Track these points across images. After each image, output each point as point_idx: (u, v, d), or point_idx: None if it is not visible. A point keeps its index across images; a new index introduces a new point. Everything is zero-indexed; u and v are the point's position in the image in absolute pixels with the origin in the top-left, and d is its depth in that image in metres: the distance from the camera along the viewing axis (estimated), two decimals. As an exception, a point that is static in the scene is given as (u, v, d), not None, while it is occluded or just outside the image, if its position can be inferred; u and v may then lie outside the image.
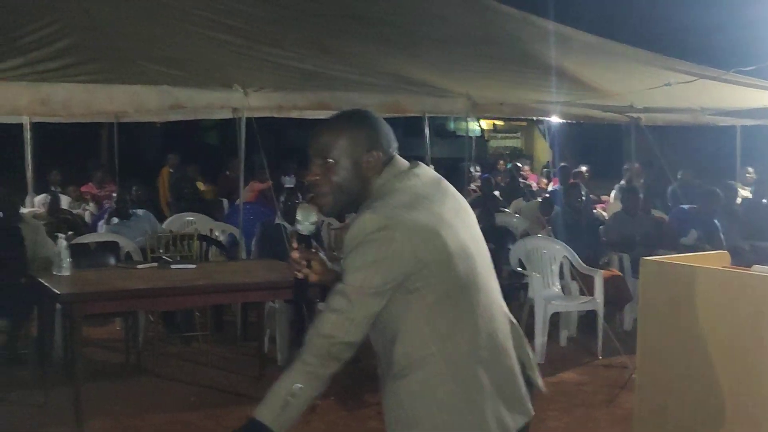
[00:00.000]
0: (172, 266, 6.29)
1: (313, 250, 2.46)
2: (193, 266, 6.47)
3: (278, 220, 7.38)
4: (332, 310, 2.30)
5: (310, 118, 12.16)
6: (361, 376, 6.49)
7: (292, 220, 7.17)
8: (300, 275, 2.44)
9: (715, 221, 8.31)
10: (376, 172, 2.37)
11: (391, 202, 2.29)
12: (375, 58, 8.34)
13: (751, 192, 11.27)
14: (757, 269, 3.84)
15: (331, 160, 2.36)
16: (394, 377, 2.37)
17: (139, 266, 6.45)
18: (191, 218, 8.59)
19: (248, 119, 8.05)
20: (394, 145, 2.47)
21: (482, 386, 2.32)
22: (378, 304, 2.27)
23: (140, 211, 8.51)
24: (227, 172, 12.48)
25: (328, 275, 2.49)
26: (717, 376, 3.76)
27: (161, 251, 7.19)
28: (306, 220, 2.41)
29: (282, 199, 7.72)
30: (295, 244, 2.43)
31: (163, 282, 5.86)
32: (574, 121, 11.46)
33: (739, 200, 10.30)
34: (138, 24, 7.54)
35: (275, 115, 9.79)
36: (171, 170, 12.66)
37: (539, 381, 2.57)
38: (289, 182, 11.25)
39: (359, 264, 2.27)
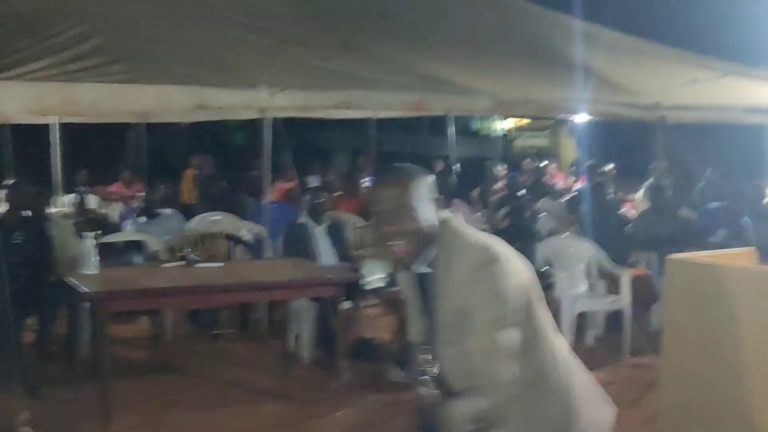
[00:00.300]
0: (199, 265, 6.32)
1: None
2: (219, 265, 6.50)
3: (303, 219, 7.40)
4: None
5: (335, 118, 12.22)
6: (382, 375, 6.52)
7: (318, 219, 7.29)
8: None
9: (744, 220, 8.23)
10: (427, 216, 2.46)
11: (479, 237, 2.46)
12: (399, 57, 8.34)
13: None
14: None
15: (405, 209, 2.43)
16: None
17: (166, 265, 6.49)
18: (218, 217, 8.62)
19: (274, 119, 8.07)
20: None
21: None
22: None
23: (167, 211, 8.55)
24: (253, 172, 12.51)
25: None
26: (743, 375, 3.73)
27: (188, 250, 7.23)
28: (371, 275, 2.38)
29: (307, 198, 7.74)
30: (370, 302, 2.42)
31: (189, 280, 5.89)
32: (600, 119, 11.38)
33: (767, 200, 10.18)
34: (164, 24, 7.59)
35: (301, 115, 9.80)
36: (195, 171, 12.70)
37: None
38: (314, 181, 11.27)
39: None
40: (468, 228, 2.49)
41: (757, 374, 3.71)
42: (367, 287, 2.35)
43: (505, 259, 2.37)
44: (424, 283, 2.48)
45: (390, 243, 2.41)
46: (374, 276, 2.37)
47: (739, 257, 4.21)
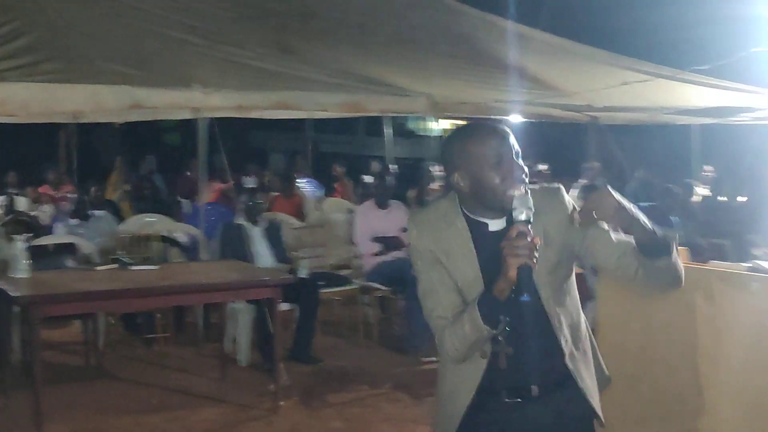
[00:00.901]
0: (133, 267, 6.23)
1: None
2: (154, 267, 6.42)
3: (239, 221, 7.35)
4: None
5: (271, 118, 12.16)
6: (323, 377, 6.53)
7: (254, 220, 7.25)
8: (528, 261, 2.21)
9: (673, 219, 8.41)
10: None
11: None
12: (335, 58, 8.33)
13: (709, 190, 11.42)
14: (714, 264, 3.91)
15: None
16: (584, 351, 2.51)
17: (99, 268, 6.38)
18: (152, 219, 8.50)
19: (209, 119, 8.00)
20: None
21: None
22: None
23: (99, 212, 8.41)
24: (187, 173, 12.39)
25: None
26: (676, 369, 3.82)
27: (121, 252, 7.12)
28: (524, 206, 2.26)
29: (243, 199, 7.70)
30: (520, 230, 2.23)
31: (123, 283, 5.81)
32: (534, 120, 11.53)
33: (698, 198, 10.44)
34: (96, 23, 7.46)
35: (236, 116, 9.74)
36: (119, 177, 12.38)
37: None
38: (249, 182, 11.19)
39: None
40: None
41: (690, 370, 3.80)
42: (521, 218, 2.20)
43: None
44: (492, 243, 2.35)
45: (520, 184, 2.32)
46: (525, 207, 2.26)
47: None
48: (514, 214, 2.24)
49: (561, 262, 2.41)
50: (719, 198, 10.41)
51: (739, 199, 10.12)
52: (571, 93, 9.04)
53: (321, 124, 13.96)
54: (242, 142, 21.02)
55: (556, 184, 2.50)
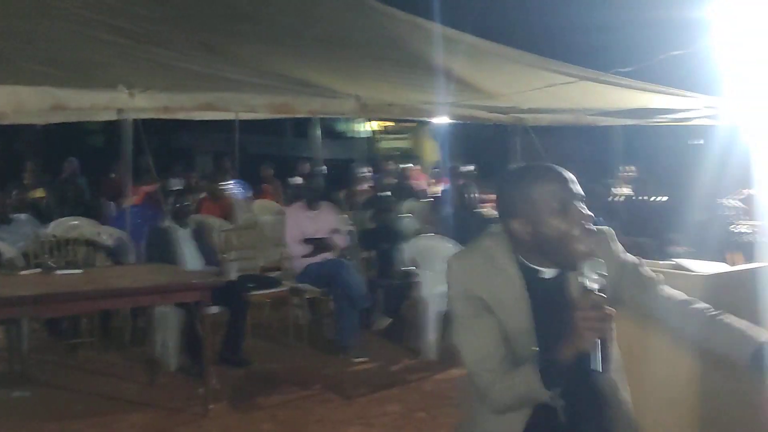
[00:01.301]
0: (57, 272, 6.11)
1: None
2: (79, 271, 6.31)
3: (166, 223, 7.27)
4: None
5: (198, 119, 12.03)
6: (253, 379, 6.49)
7: (181, 223, 7.17)
8: (603, 334, 2.11)
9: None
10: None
11: None
12: (263, 59, 8.29)
13: (631, 190, 11.68)
14: (638, 263, 3.99)
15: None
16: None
17: (22, 272, 6.25)
18: (76, 222, 8.33)
19: (134, 121, 7.88)
20: None
21: None
22: None
23: (22, 216, 8.22)
24: (112, 175, 12.18)
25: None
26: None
27: (45, 256, 6.97)
28: (596, 272, 2.12)
29: (170, 201, 7.61)
30: (595, 302, 2.09)
31: (48, 288, 5.68)
32: (461, 122, 11.64)
33: (620, 198, 10.67)
34: (18, 22, 7.29)
35: (162, 117, 9.61)
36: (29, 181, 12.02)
37: None
38: (176, 184, 11.07)
39: None
40: None
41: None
42: (589, 287, 2.03)
43: None
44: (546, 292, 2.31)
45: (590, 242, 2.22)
46: (596, 274, 2.13)
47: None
48: (583, 281, 2.12)
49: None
50: (641, 197, 10.66)
51: (660, 198, 10.37)
52: (497, 95, 9.15)
53: (249, 126, 13.81)
54: (168, 144, 20.79)
55: (605, 228, 2.44)
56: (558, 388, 2.17)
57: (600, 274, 2.10)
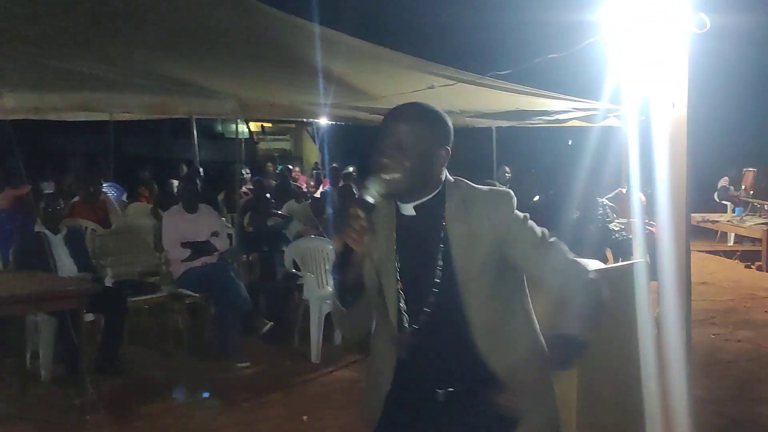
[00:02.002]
0: None
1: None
2: (-57, 280, 5.99)
3: (38, 228, 6.98)
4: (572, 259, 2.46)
5: (71, 120, 11.64)
6: (132, 388, 6.31)
7: (54, 227, 6.91)
8: (353, 243, 2.25)
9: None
10: (440, 168, 2.47)
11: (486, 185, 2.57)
12: (139, 58, 8.07)
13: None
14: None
15: (406, 147, 2.39)
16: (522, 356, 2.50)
17: None
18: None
19: (1, 122, 7.55)
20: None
21: None
22: None
23: None
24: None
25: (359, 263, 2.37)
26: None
27: None
28: (375, 189, 2.32)
29: (42, 205, 7.32)
30: (359, 212, 2.26)
31: None
32: (341, 123, 11.66)
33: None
34: None
35: (32, 117, 9.25)
36: None
37: None
38: (48, 187, 10.68)
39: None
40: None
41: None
42: (369, 199, 2.20)
43: None
44: (408, 229, 2.48)
45: (387, 175, 2.36)
46: (375, 191, 2.26)
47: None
48: (364, 192, 2.32)
49: (488, 264, 2.42)
50: (517, 197, 10.89)
51: (535, 198, 10.63)
52: (377, 96, 9.20)
53: (124, 127, 13.48)
54: (39, 146, 20.04)
55: (507, 190, 2.54)
56: (349, 304, 2.41)
57: (374, 192, 2.31)
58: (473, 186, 2.53)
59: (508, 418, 2.39)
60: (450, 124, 2.52)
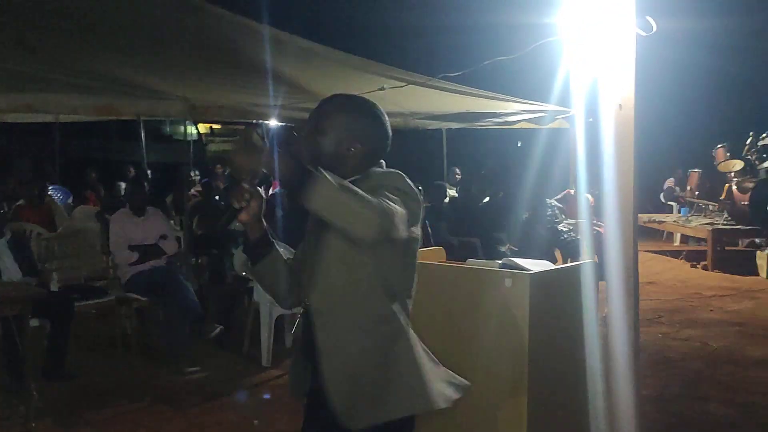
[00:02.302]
0: None
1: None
2: None
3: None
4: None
5: (14, 121, 11.43)
6: (79, 394, 6.20)
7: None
8: (238, 205, 2.42)
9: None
10: (354, 163, 2.52)
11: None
12: (85, 59, 7.96)
13: (456, 191, 12.00)
14: (471, 263, 4.09)
15: (320, 128, 2.52)
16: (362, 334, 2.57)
17: None
18: None
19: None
20: (378, 153, 2.62)
21: None
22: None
23: None
24: None
25: (256, 222, 2.52)
26: (441, 359, 3.96)
27: None
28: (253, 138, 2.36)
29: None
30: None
31: None
32: (292, 125, 11.59)
33: (447, 199, 10.93)
34: None
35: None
36: None
37: None
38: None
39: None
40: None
41: (452, 360, 3.95)
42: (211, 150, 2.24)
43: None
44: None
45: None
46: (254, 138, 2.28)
47: (429, 255, 4.47)
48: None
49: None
50: (467, 199, 10.95)
51: (485, 200, 10.70)
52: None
53: (70, 128, 13.27)
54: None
55: (399, 172, 2.55)
56: (253, 262, 2.60)
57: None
58: (378, 170, 2.57)
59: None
60: (380, 126, 2.59)
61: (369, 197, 2.22)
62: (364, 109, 2.60)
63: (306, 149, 2.52)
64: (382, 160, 2.65)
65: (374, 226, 2.21)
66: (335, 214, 2.21)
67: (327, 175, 2.20)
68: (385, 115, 2.66)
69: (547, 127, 10.98)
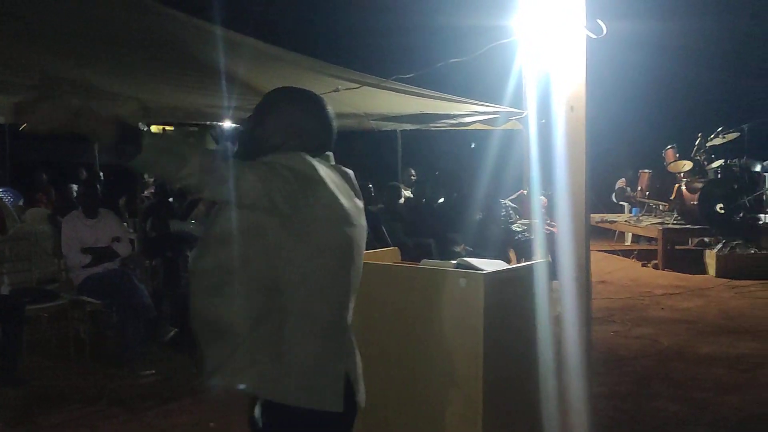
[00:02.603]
0: None
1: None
2: None
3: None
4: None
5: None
6: (31, 399, 6.13)
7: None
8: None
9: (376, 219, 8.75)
10: (272, 149, 2.54)
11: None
12: (35, 59, 7.85)
13: (411, 192, 12.04)
14: (426, 263, 4.12)
15: (257, 119, 2.62)
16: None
17: None
18: None
19: None
20: (312, 144, 2.60)
21: None
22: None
23: None
24: None
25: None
26: (394, 363, 3.98)
27: None
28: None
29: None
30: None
31: None
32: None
33: (402, 200, 10.97)
34: None
35: None
36: None
37: None
38: None
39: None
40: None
41: (407, 360, 3.98)
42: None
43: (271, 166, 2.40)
44: None
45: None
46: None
47: (384, 256, 4.49)
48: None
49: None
50: (422, 199, 11.00)
51: (440, 200, 10.75)
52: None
53: (18, 130, 13.08)
54: None
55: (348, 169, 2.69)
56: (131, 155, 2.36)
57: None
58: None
59: None
60: (315, 118, 2.64)
61: (187, 153, 2.27)
62: (298, 102, 2.66)
63: (245, 140, 2.61)
64: (329, 152, 2.67)
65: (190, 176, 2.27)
66: (155, 166, 2.33)
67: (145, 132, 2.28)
68: (326, 109, 2.68)
69: (501, 128, 11.07)
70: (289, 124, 2.60)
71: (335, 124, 2.69)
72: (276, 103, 2.65)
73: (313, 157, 2.55)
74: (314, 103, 2.68)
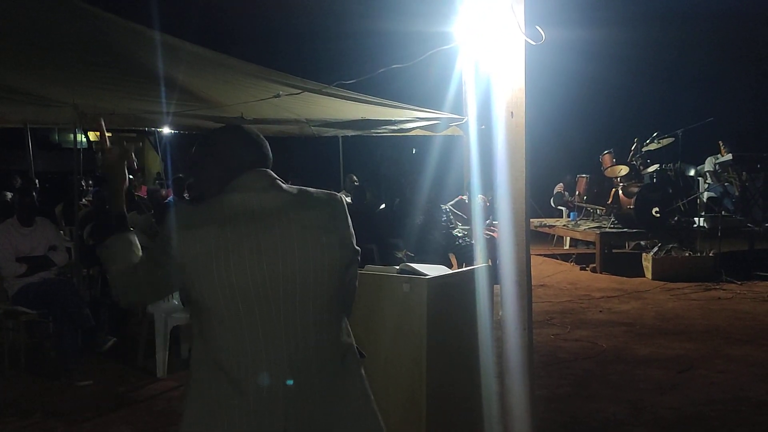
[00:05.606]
0: None
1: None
2: None
3: None
4: None
5: None
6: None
7: None
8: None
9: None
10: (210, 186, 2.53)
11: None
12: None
13: (351, 198, 12.04)
14: (369, 268, 4.12)
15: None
16: None
17: None
18: None
19: None
20: (242, 162, 2.52)
21: None
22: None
23: None
24: None
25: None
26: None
27: None
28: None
29: None
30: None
31: None
32: (185, 132, 11.43)
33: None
34: None
35: None
36: None
37: None
38: None
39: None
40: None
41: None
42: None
43: (184, 214, 2.47)
44: None
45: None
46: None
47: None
48: None
49: None
50: (364, 205, 11.00)
51: (381, 206, 10.77)
52: (222, 105, 9.09)
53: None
54: None
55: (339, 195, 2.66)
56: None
57: None
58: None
59: None
60: (240, 149, 2.54)
61: (133, 267, 2.61)
62: (216, 138, 2.61)
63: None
64: (263, 168, 2.56)
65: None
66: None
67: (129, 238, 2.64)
68: (238, 138, 2.59)
69: (442, 134, 11.13)
70: (202, 164, 2.58)
71: (261, 140, 2.59)
72: (201, 158, 2.59)
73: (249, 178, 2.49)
74: (214, 139, 2.62)
